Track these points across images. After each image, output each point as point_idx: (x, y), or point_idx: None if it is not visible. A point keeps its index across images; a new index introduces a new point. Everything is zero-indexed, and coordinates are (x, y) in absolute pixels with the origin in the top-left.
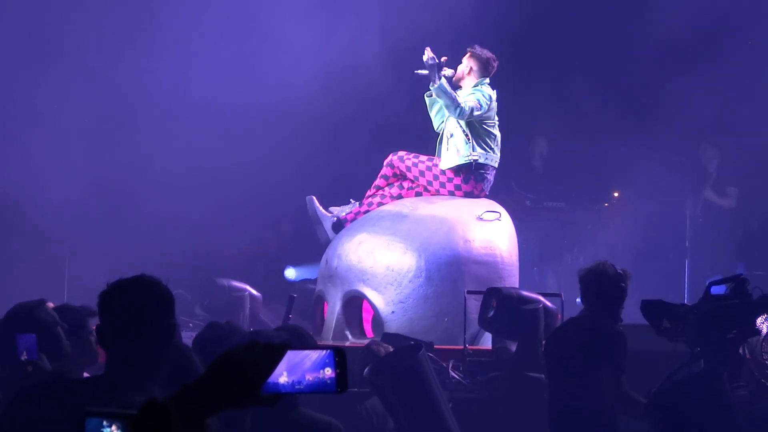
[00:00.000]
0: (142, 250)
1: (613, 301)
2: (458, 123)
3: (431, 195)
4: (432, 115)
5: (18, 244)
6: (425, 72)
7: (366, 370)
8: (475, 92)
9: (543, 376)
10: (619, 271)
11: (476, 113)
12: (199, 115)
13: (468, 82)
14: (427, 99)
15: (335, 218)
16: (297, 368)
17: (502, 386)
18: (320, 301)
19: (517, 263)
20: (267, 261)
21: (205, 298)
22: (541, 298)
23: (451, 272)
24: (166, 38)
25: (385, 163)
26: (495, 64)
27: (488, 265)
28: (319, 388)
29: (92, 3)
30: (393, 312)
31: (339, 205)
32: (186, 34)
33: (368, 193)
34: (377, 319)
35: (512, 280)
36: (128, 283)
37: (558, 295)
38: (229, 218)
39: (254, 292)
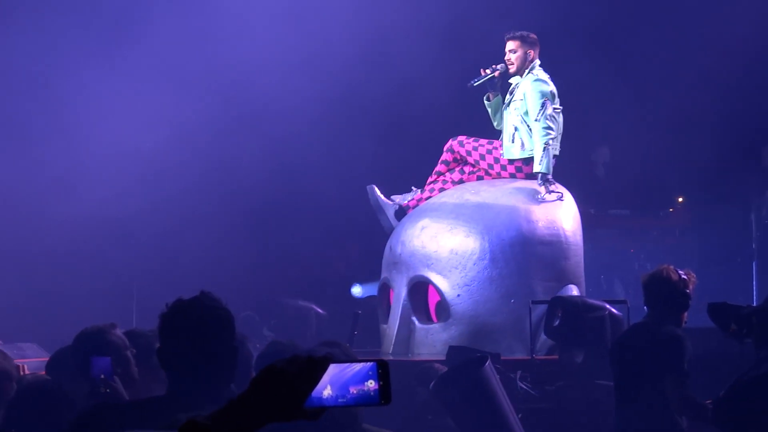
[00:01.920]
0: (207, 271)
1: (675, 305)
2: (522, 117)
3: (492, 178)
4: (492, 116)
5: (86, 266)
6: (482, 81)
7: (432, 384)
8: (537, 98)
9: (611, 383)
10: (681, 274)
11: (555, 130)
12: (257, 128)
13: (527, 68)
14: (486, 103)
15: (397, 206)
16: (340, 381)
17: (570, 395)
18: (386, 288)
19: (581, 243)
20: (335, 279)
21: (272, 318)
22: (606, 305)
23: (515, 253)
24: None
25: (445, 148)
26: (537, 41)
27: (552, 245)
28: (362, 401)
29: None
30: (458, 295)
31: (401, 194)
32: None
33: (429, 179)
34: (443, 304)
35: (577, 259)
36: (187, 303)
37: (624, 302)
38: (296, 238)
39: (320, 310)
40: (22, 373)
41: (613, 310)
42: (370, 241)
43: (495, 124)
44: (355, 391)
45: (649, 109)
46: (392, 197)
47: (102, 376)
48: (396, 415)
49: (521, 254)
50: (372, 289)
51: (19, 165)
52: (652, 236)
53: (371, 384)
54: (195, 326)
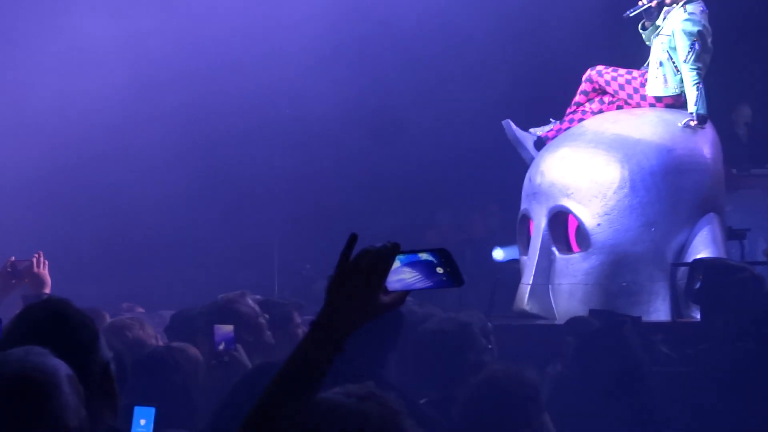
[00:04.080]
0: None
1: None
2: (669, 53)
3: (632, 108)
4: (648, 42)
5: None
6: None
7: (572, 349)
8: (686, 38)
9: (754, 346)
10: None
11: (704, 68)
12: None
13: (678, 1)
14: (642, 32)
15: (536, 136)
16: (412, 269)
17: (713, 358)
18: (525, 220)
19: (722, 170)
20: (474, 242)
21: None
22: (749, 267)
23: (655, 182)
24: None
25: (583, 78)
26: None
27: (692, 172)
28: (436, 285)
29: None
30: (599, 224)
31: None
32: None
33: (568, 110)
34: (583, 233)
35: (718, 187)
36: None
37: (766, 263)
38: (435, 201)
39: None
40: (158, 342)
41: (756, 272)
42: (511, 203)
43: (649, 45)
44: (427, 277)
45: None
46: (531, 130)
47: (221, 346)
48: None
49: (662, 182)
50: (513, 253)
51: None
52: None
53: (440, 270)
54: None
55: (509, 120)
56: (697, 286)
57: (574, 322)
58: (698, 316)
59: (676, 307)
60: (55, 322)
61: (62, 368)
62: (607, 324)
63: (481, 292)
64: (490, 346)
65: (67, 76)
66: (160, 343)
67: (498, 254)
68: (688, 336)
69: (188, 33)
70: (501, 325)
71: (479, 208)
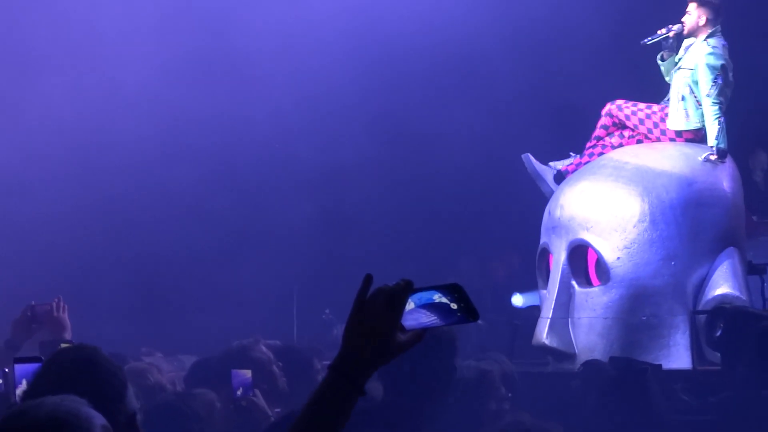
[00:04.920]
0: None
1: None
2: (690, 87)
3: (652, 142)
4: (665, 74)
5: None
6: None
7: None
8: (709, 72)
9: None
10: None
11: (725, 103)
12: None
13: (701, 33)
14: (660, 63)
15: (555, 170)
16: (426, 306)
17: (734, 407)
18: (545, 253)
19: (742, 204)
20: (493, 288)
21: None
22: None
23: (675, 215)
24: None
25: (603, 113)
26: (721, 6)
27: (713, 206)
28: (453, 321)
29: None
30: (618, 258)
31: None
32: None
33: (588, 144)
34: (602, 267)
35: (738, 221)
36: None
37: None
38: (457, 247)
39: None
40: (175, 388)
41: None
42: (530, 249)
43: (668, 80)
44: (441, 314)
45: None
46: (550, 164)
47: (240, 391)
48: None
49: (682, 216)
50: (533, 299)
51: None
52: None
53: (453, 306)
54: None
55: (529, 154)
56: (718, 333)
57: (592, 368)
58: (719, 363)
59: (697, 354)
60: (86, 370)
61: (97, 419)
62: (628, 372)
63: (501, 338)
64: (510, 395)
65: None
66: (178, 389)
67: (518, 300)
68: (709, 384)
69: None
70: (521, 372)
71: (500, 254)
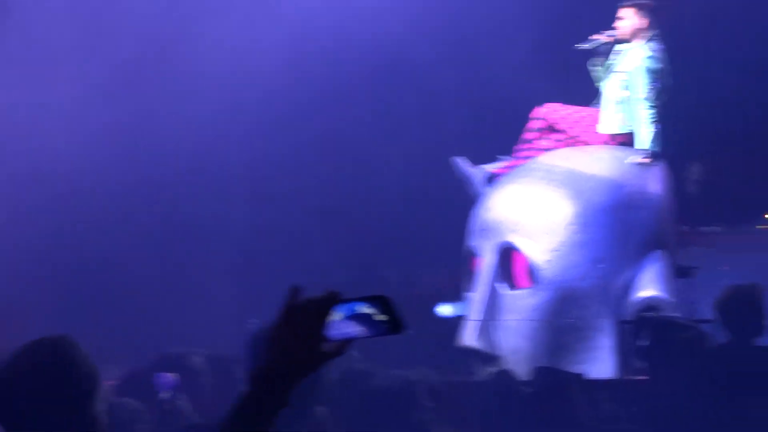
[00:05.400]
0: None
1: (753, 321)
2: (626, 90)
3: (582, 145)
4: (597, 81)
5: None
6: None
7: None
8: (645, 75)
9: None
10: (750, 291)
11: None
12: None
13: (638, 38)
14: (593, 68)
15: (486, 174)
16: (352, 317)
17: (659, 416)
18: (473, 256)
19: (672, 210)
20: (420, 299)
21: None
22: (695, 325)
23: (605, 218)
24: None
25: (534, 116)
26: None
27: (643, 210)
28: (379, 333)
29: None
30: (547, 260)
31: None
32: None
33: (519, 147)
34: (531, 269)
35: (667, 225)
36: None
37: (711, 322)
38: (379, 257)
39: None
40: None
41: (703, 329)
42: (459, 257)
43: (599, 86)
44: (368, 325)
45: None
46: (480, 166)
47: (165, 394)
48: None
49: (611, 219)
50: (460, 309)
51: None
52: (745, 253)
53: (380, 317)
54: None
55: (459, 157)
56: (644, 342)
57: (518, 377)
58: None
59: (623, 364)
60: (63, 363)
61: None
62: (553, 381)
63: (427, 348)
64: (436, 405)
65: None
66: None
67: (445, 310)
68: (635, 393)
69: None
70: (446, 381)
71: (428, 263)
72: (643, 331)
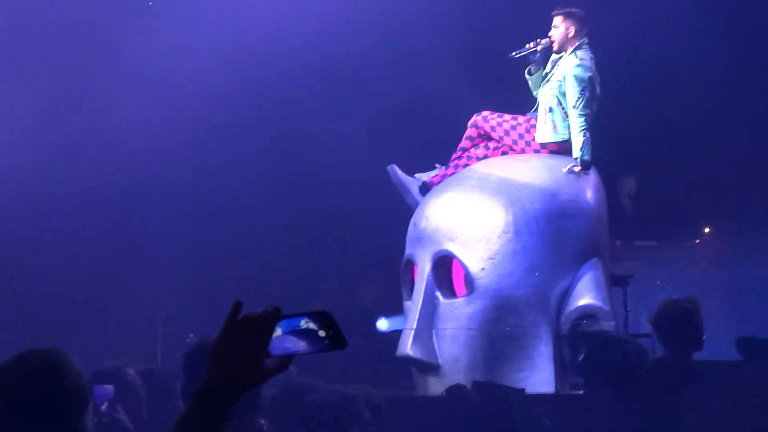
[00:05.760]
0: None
1: (688, 336)
2: (558, 99)
3: (517, 154)
4: (532, 89)
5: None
6: (524, 53)
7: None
8: (576, 84)
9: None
10: (685, 305)
11: (591, 115)
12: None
13: (569, 46)
14: (528, 77)
15: (421, 182)
16: (294, 333)
17: (595, 431)
18: (410, 265)
19: (606, 217)
20: (359, 313)
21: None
22: (632, 340)
23: (539, 226)
24: None
25: (469, 124)
26: (586, 19)
27: (576, 218)
28: (316, 349)
29: None
30: (483, 269)
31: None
32: None
33: (454, 155)
34: (467, 278)
35: (601, 233)
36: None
37: (648, 336)
38: (320, 269)
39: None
40: None
41: (639, 343)
42: (396, 270)
43: (535, 94)
44: (309, 341)
45: (674, 138)
46: (416, 175)
47: (103, 406)
48: None
49: (545, 227)
50: (399, 323)
51: None
52: (679, 268)
53: (322, 333)
54: None
55: (394, 165)
56: (581, 358)
57: (456, 393)
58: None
59: (561, 378)
60: (53, 377)
61: None
62: (491, 397)
63: (366, 363)
64: (375, 420)
65: None
66: None
67: (382, 324)
68: (572, 408)
69: None
70: (385, 397)
71: (365, 276)
72: (580, 345)
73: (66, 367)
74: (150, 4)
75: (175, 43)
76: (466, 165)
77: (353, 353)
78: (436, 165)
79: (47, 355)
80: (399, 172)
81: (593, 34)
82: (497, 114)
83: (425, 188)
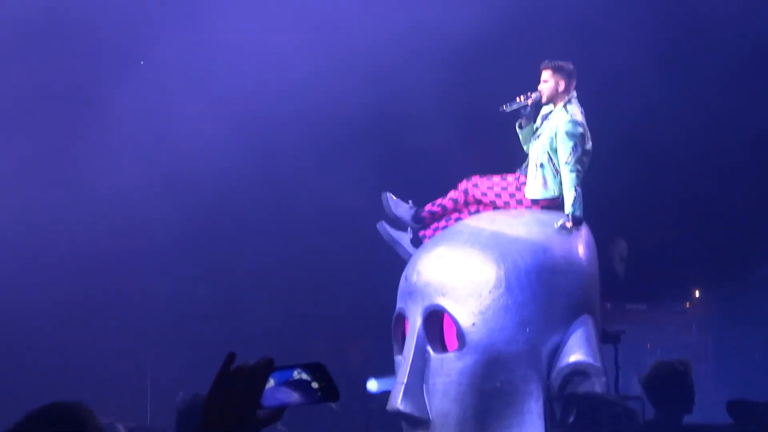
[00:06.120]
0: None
1: (679, 398)
2: (549, 155)
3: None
4: (523, 142)
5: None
6: (515, 108)
7: None
8: (567, 140)
9: None
10: (678, 367)
11: (583, 171)
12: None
13: (559, 101)
14: (518, 130)
15: (412, 235)
16: (287, 384)
17: None
18: (401, 319)
19: (597, 272)
20: (348, 373)
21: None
22: (622, 401)
23: (530, 282)
24: None
25: (459, 188)
26: (575, 72)
27: (568, 274)
28: (313, 401)
29: None
30: (474, 324)
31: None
32: None
33: (429, 207)
34: (458, 332)
35: (593, 289)
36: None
37: (639, 399)
38: (310, 329)
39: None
40: None
41: (629, 406)
42: (386, 334)
43: (526, 149)
44: (302, 393)
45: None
46: (396, 211)
47: None
48: None
49: (536, 282)
50: (388, 384)
51: None
52: (669, 331)
53: (315, 385)
54: None
55: (383, 222)
56: (571, 419)
57: None
58: None
59: (550, 424)
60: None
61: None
62: None
63: (354, 422)
64: None
65: None
66: None
67: (372, 385)
68: None
69: None
70: None
71: (355, 338)
72: (571, 404)
73: (90, 423)
74: (141, 63)
75: (164, 102)
76: (458, 219)
77: (342, 412)
78: (409, 201)
79: (72, 409)
80: (388, 228)
81: (581, 87)
82: (486, 177)
83: (417, 241)
